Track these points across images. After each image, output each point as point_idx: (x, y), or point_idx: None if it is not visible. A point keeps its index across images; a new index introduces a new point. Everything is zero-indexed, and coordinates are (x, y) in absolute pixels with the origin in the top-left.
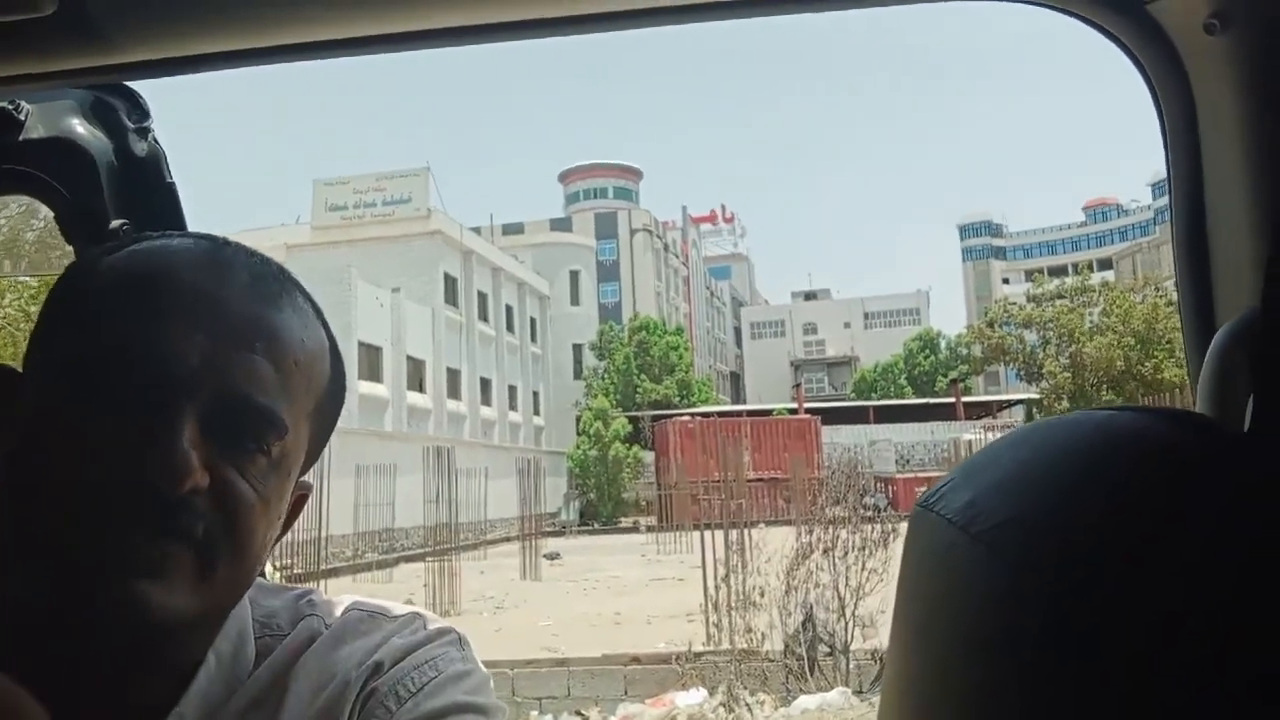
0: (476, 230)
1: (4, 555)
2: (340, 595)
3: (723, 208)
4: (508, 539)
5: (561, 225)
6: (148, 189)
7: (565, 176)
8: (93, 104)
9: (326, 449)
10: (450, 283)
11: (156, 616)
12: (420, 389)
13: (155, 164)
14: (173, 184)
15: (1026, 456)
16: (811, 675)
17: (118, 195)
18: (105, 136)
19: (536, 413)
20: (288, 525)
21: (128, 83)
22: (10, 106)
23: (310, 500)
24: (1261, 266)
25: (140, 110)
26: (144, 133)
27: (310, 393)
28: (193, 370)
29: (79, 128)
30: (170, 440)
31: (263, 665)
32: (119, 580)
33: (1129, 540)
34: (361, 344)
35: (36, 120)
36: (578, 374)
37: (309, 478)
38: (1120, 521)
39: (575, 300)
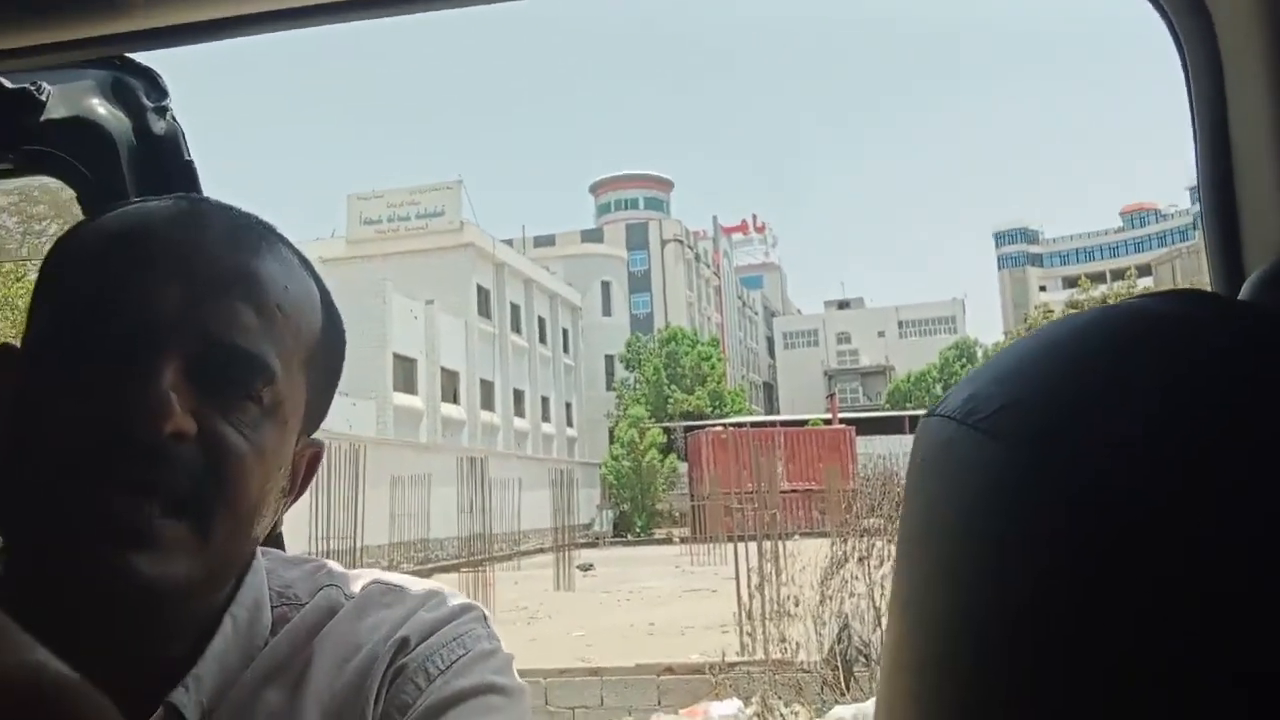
0: (508, 242)
1: (6, 526)
2: (357, 570)
3: (754, 217)
4: (541, 550)
5: (593, 237)
6: (167, 168)
7: (596, 188)
8: (112, 83)
9: (360, 457)
10: (483, 295)
11: (151, 580)
12: (454, 400)
13: (174, 142)
14: (191, 162)
15: (1027, 348)
16: (847, 686)
17: (137, 174)
18: (125, 116)
19: (569, 424)
20: (302, 486)
21: (141, 58)
22: (32, 88)
23: (346, 511)
24: None
25: (159, 89)
26: (162, 111)
27: (300, 341)
28: (169, 317)
29: (99, 107)
30: (148, 384)
31: (280, 633)
32: (110, 547)
33: (1134, 410)
34: (396, 356)
35: (58, 101)
36: (610, 385)
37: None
38: (1122, 393)
39: (607, 311)
